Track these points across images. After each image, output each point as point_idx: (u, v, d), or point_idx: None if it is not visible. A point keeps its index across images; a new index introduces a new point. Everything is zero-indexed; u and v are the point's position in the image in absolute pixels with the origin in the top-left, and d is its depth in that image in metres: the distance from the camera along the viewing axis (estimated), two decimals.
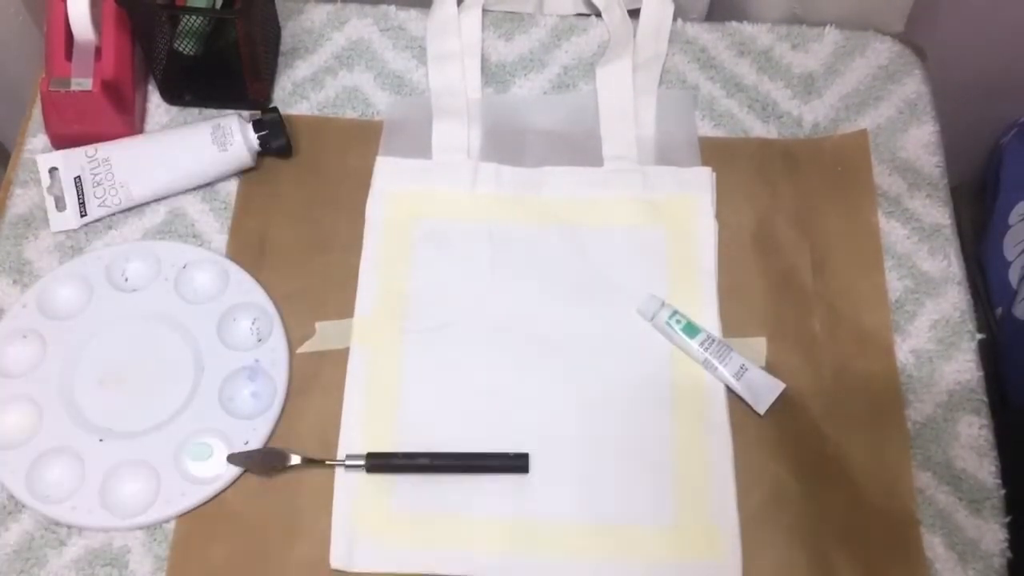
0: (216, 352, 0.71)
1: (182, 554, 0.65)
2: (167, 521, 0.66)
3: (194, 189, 0.77)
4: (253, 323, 0.72)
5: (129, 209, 0.76)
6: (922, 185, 0.78)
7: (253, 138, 0.76)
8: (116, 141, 0.77)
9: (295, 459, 0.67)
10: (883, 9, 0.85)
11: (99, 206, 0.75)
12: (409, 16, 0.86)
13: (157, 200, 0.77)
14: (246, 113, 0.78)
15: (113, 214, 0.76)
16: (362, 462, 0.66)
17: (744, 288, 0.74)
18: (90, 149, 0.76)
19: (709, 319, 0.72)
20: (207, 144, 0.75)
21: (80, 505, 0.65)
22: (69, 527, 0.66)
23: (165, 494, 0.66)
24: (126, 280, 0.73)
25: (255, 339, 0.71)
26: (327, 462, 0.67)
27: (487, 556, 0.65)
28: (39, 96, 0.77)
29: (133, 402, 0.69)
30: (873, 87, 0.82)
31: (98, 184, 0.75)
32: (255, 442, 0.68)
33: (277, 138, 0.76)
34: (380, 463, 0.66)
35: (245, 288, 0.73)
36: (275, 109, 0.77)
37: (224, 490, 0.67)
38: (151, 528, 0.66)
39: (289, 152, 0.78)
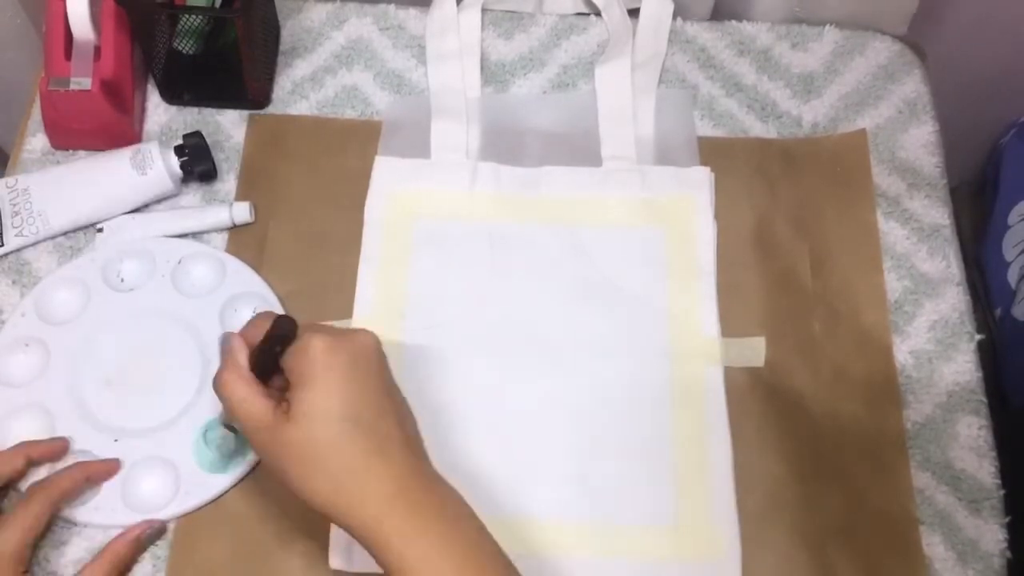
0: None
1: (181, 554, 0.65)
2: (189, 513, 0.66)
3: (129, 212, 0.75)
4: (254, 312, 0.71)
5: (52, 238, 0.75)
6: (921, 185, 0.78)
7: (174, 163, 0.75)
8: (39, 171, 0.76)
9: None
10: (887, 11, 0.84)
11: (16, 236, 0.74)
12: (408, 15, 0.85)
13: (78, 228, 0.75)
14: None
15: (33, 244, 0.75)
16: None
17: (743, 288, 0.74)
18: (11, 180, 0.75)
19: (708, 319, 0.72)
20: (126, 169, 0.74)
21: (103, 505, 0.65)
22: (84, 526, 0.66)
23: (185, 486, 0.66)
24: (122, 280, 0.73)
25: None
26: None
27: None
28: (38, 96, 0.77)
29: (143, 400, 0.69)
30: (873, 87, 0.82)
31: (16, 214, 0.74)
32: None
33: (200, 163, 0.75)
34: None
35: (243, 278, 0.73)
36: (198, 133, 0.76)
37: (243, 479, 0.67)
38: None
39: (214, 176, 0.77)
